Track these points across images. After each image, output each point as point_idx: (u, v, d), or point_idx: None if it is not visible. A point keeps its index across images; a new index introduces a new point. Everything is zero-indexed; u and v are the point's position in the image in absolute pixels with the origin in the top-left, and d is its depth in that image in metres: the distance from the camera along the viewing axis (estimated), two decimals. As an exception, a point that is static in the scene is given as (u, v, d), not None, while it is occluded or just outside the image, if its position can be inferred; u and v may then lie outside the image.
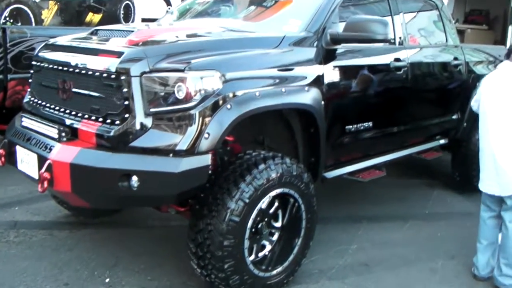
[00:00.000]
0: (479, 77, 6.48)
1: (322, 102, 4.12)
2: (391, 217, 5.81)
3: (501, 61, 7.00)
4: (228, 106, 3.41)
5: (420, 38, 5.81)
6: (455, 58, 6.10)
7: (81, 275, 4.17)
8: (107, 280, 4.11)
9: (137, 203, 4.13)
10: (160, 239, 4.86)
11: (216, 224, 3.47)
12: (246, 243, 3.61)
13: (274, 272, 3.92)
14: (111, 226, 5.13)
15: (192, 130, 3.30)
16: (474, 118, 6.43)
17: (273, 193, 3.71)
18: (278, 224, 3.99)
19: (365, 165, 5.05)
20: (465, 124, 6.41)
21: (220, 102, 3.40)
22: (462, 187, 6.81)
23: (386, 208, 6.09)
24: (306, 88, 3.99)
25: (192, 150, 3.29)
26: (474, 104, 4.63)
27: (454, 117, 6.31)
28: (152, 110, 3.35)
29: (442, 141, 6.33)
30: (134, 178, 3.26)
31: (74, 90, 3.73)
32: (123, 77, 3.37)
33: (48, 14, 11.83)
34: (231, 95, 3.46)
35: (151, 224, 5.19)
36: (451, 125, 6.32)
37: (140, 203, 4.14)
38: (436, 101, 5.98)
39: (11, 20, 10.27)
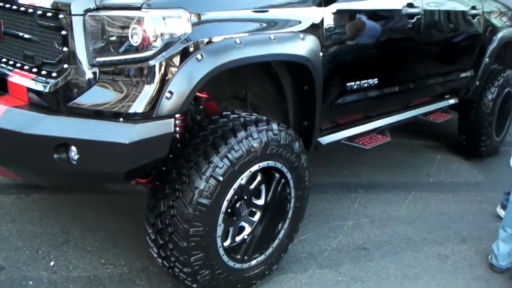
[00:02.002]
0: (495, 30, 5.74)
1: (320, 54, 3.33)
2: (392, 187, 5.11)
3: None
4: (199, 56, 2.61)
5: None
6: (473, 7, 5.27)
7: (21, 256, 3.43)
8: (51, 263, 3.38)
9: (80, 180, 3.29)
10: (121, 209, 4.10)
11: (180, 208, 2.72)
12: (219, 230, 2.88)
13: (254, 262, 3.21)
14: (67, 190, 4.35)
15: (149, 87, 2.51)
16: (487, 75, 5.77)
17: (255, 167, 2.96)
18: (260, 202, 3.26)
19: (366, 128, 4.29)
20: (477, 82, 5.68)
21: (188, 50, 2.59)
22: (469, 152, 6.17)
23: (385, 174, 5.38)
24: (301, 35, 3.18)
25: (149, 114, 2.51)
26: None
27: (466, 74, 5.54)
28: (99, 59, 2.54)
29: (451, 101, 5.60)
30: (73, 149, 2.50)
31: (4, 30, 2.92)
32: (61, 16, 2.56)
33: None
34: (203, 41, 2.65)
35: (112, 189, 4.41)
36: (463, 83, 5.56)
37: (83, 180, 3.33)
38: (449, 56, 5.18)
39: None
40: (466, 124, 6.03)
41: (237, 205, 3.05)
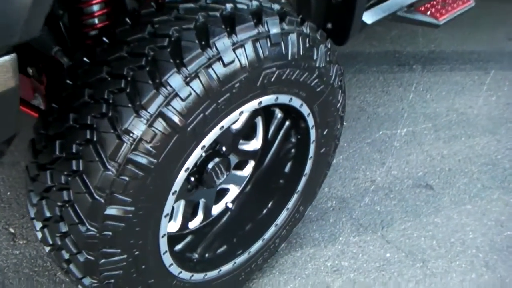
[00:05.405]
0: None
1: None
2: (460, 59, 3.59)
3: None
4: None
5: None
6: None
7: None
8: None
9: None
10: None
11: (73, 225, 1.32)
12: (163, 243, 1.51)
13: (245, 256, 1.88)
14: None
15: None
16: None
17: (234, 115, 1.47)
18: (251, 146, 1.85)
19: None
20: None
21: None
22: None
23: (449, 37, 3.80)
24: None
25: None
26: None
27: None
28: None
29: None
30: None
31: None
32: None
33: None
34: None
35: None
36: None
37: None
38: None
39: None
40: None
41: (209, 167, 1.64)
